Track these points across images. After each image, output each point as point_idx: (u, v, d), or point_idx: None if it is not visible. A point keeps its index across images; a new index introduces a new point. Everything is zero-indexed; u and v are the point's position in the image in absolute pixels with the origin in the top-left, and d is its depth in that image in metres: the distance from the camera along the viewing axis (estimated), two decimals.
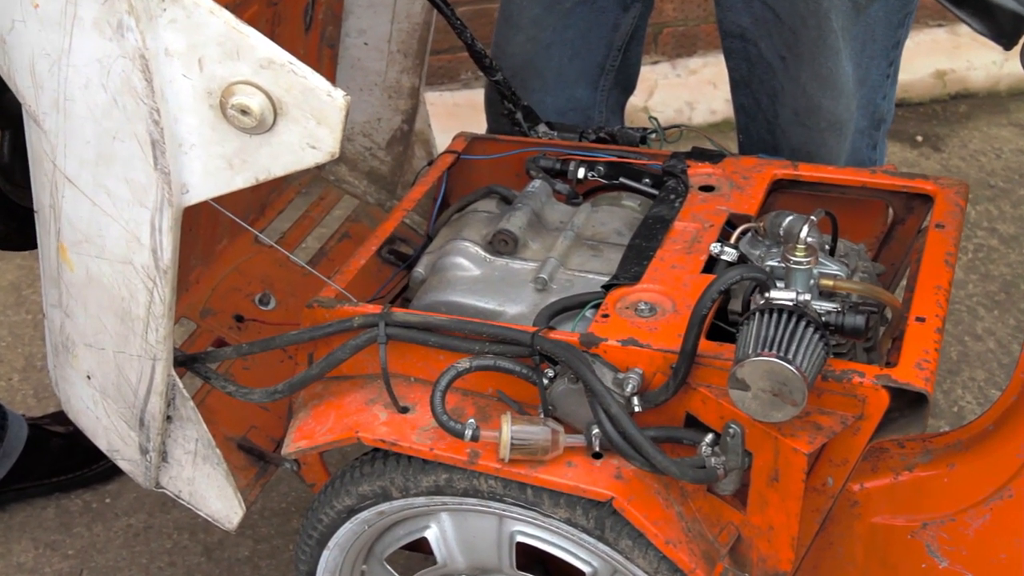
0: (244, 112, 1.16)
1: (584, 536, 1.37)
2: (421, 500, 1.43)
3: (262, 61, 1.14)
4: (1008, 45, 1.18)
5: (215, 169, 1.22)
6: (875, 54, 1.83)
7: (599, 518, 1.34)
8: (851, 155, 1.92)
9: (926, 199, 1.60)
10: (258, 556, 2.10)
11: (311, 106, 1.15)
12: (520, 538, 1.43)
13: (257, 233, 1.74)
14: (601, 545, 1.36)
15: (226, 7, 1.54)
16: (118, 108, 1.19)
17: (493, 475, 1.35)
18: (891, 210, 1.66)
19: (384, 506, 1.45)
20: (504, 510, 1.39)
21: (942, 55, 3.37)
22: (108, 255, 1.31)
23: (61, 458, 2.18)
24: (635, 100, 2.10)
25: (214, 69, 1.16)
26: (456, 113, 3.00)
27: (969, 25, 1.16)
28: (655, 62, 3.25)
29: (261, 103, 1.16)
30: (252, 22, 1.62)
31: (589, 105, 2.01)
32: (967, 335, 2.52)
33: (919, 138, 3.18)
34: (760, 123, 1.95)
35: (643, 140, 1.76)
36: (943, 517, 1.39)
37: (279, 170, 1.20)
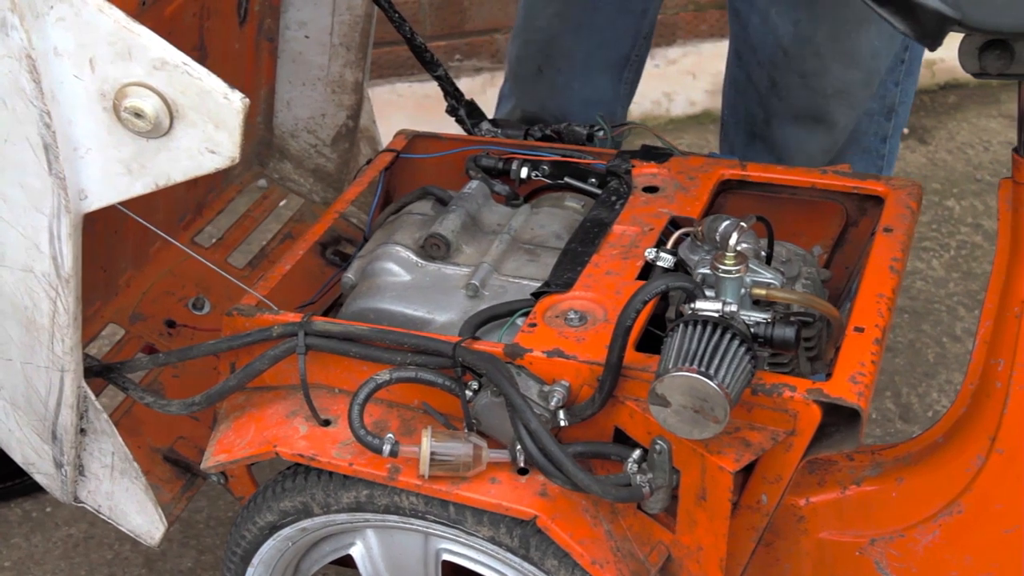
0: (138, 115, 1.13)
1: (509, 555, 1.33)
2: (343, 516, 1.39)
3: (155, 62, 1.11)
4: (932, 46, 1.14)
5: (113, 174, 1.18)
6: (896, 38, 1.80)
7: (523, 536, 1.31)
8: (856, 139, 1.89)
9: (879, 201, 1.56)
10: (201, 567, 2.07)
11: (208, 109, 1.12)
12: (446, 556, 1.41)
13: (175, 241, 1.69)
14: (527, 564, 1.33)
15: (145, 1, 1.51)
16: (7, 110, 1.16)
17: (415, 492, 1.32)
18: (846, 212, 1.62)
19: (306, 522, 1.42)
20: (427, 527, 1.36)
21: None
22: (8, 262, 1.28)
23: None
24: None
25: (106, 70, 1.12)
26: (426, 105, 2.97)
27: (891, 24, 1.11)
28: None
29: (155, 105, 1.12)
30: (178, 16, 1.61)
31: (613, 99, 1.99)
32: (945, 336, 2.48)
33: (905, 130, 3.11)
34: (751, 97, 1.92)
35: (590, 138, 1.71)
36: (892, 533, 1.37)
37: (179, 175, 1.17)
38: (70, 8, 1.10)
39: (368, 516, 1.38)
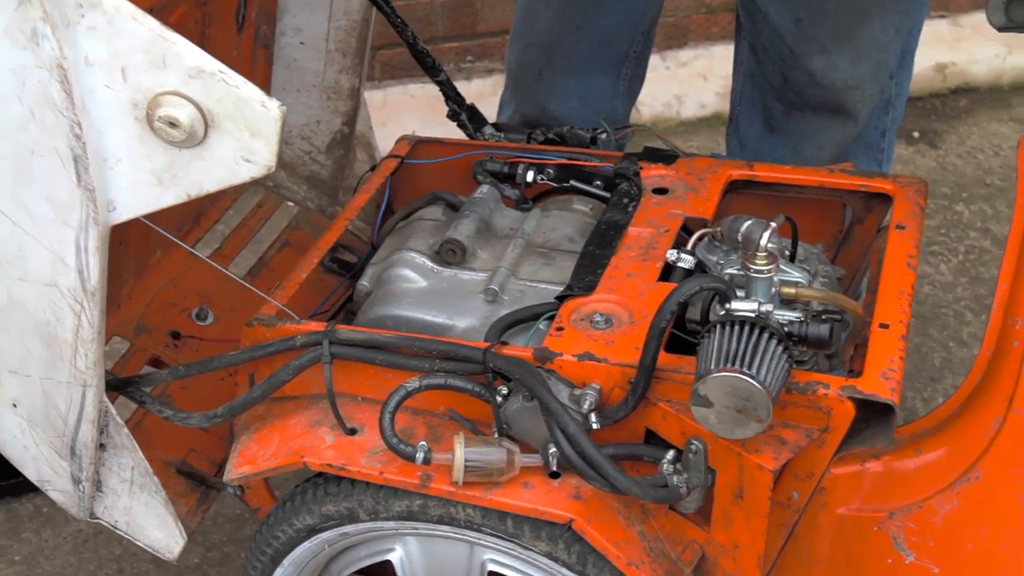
0: (172, 124, 1.10)
1: (564, 570, 1.32)
2: (391, 524, 1.37)
3: (191, 70, 1.08)
4: None
5: (144, 185, 1.16)
6: (901, 31, 1.81)
7: (581, 553, 1.30)
8: (859, 134, 1.90)
9: (884, 198, 1.57)
10: (208, 563, 2.05)
11: (245, 117, 1.09)
12: (491, 566, 1.39)
13: (190, 249, 1.67)
14: None
15: (153, 8, 1.49)
16: (36, 122, 1.13)
17: (472, 504, 1.30)
18: (849, 210, 1.63)
19: (349, 528, 1.40)
20: (480, 539, 1.35)
21: (943, 47, 3.29)
22: (31, 277, 1.25)
23: None
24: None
25: (139, 79, 1.10)
26: (437, 106, 2.98)
27: None
28: None
29: (191, 114, 1.10)
30: (181, 23, 1.58)
31: (612, 95, 1.98)
32: (952, 340, 2.47)
33: (916, 134, 3.14)
34: (766, 90, 1.93)
35: (593, 141, 1.71)
36: (910, 505, 1.35)
37: (212, 185, 1.14)
38: (103, 16, 1.08)
39: (418, 525, 1.36)
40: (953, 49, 3.30)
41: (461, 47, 3.11)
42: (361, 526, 1.38)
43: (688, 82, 3.23)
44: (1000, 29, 1.31)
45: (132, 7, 1.07)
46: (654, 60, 3.17)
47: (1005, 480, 1.33)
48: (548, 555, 1.31)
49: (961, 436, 1.35)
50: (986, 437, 1.33)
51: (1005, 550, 1.34)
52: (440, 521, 1.33)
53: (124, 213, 1.18)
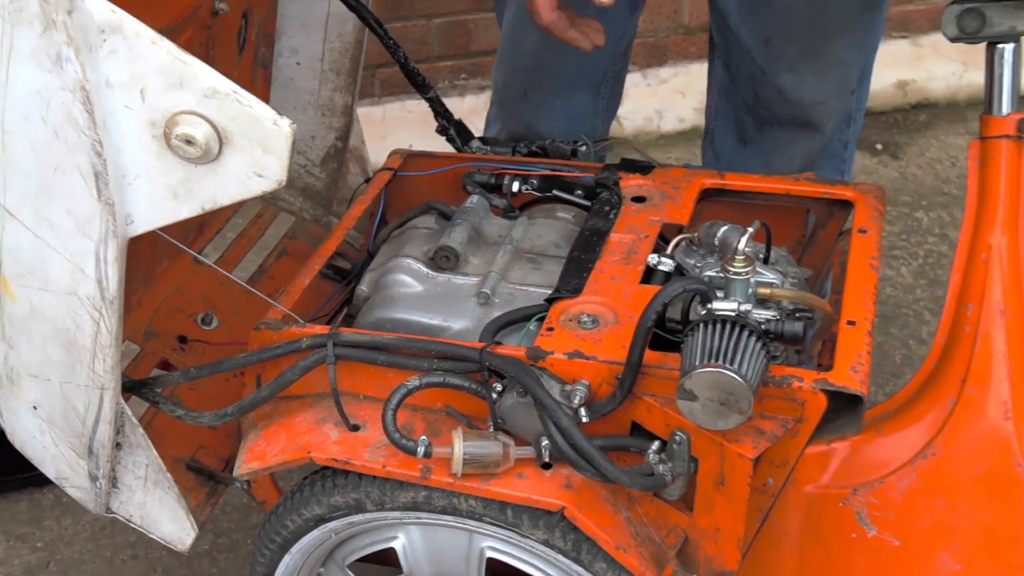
0: (189, 142, 1.09)
1: (559, 557, 1.32)
2: (396, 514, 1.37)
3: (206, 91, 1.08)
4: None
5: (160, 199, 1.15)
6: (862, 49, 1.82)
7: (576, 541, 1.30)
8: (824, 145, 1.91)
9: (846, 204, 1.58)
10: (217, 550, 2.05)
11: (257, 135, 1.09)
12: (490, 553, 1.38)
13: (197, 255, 1.66)
14: (575, 566, 1.32)
15: (161, 31, 1.47)
16: (59, 140, 1.11)
17: (474, 495, 1.30)
18: (812, 215, 1.64)
19: (356, 517, 1.39)
20: (481, 528, 1.34)
21: (904, 66, 3.34)
22: (52, 287, 1.23)
23: None
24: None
25: (157, 99, 1.09)
26: (431, 121, 3.00)
27: None
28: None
29: (206, 132, 1.09)
30: (188, 46, 1.55)
31: (592, 112, 1.98)
32: (912, 339, 2.49)
33: (879, 146, 3.17)
34: (739, 106, 1.94)
35: (574, 153, 1.71)
36: (872, 481, 1.36)
37: (226, 199, 1.13)
38: (123, 41, 1.07)
39: (422, 515, 1.35)
40: (913, 67, 3.34)
41: (455, 65, 3.12)
42: (368, 516, 1.37)
43: (667, 98, 3.26)
44: (953, 40, 1.33)
45: (151, 32, 1.06)
46: (636, 77, 3.20)
47: (959, 456, 1.34)
48: (545, 543, 1.31)
49: (919, 416, 1.36)
50: (942, 416, 1.34)
51: (959, 521, 1.35)
52: (443, 511, 1.32)
53: (142, 226, 1.17)
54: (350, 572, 1.52)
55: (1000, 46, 1.35)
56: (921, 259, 2.73)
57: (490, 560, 1.39)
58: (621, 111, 3.16)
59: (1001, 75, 1.35)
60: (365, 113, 3.02)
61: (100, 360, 1.28)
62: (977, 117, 1.38)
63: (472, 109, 2.98)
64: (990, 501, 1.34)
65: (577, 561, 1.31)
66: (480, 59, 3.12)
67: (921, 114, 3.30)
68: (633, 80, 3.22)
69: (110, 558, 2.05)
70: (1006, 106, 1.36)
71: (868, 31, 1.83)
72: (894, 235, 2.80)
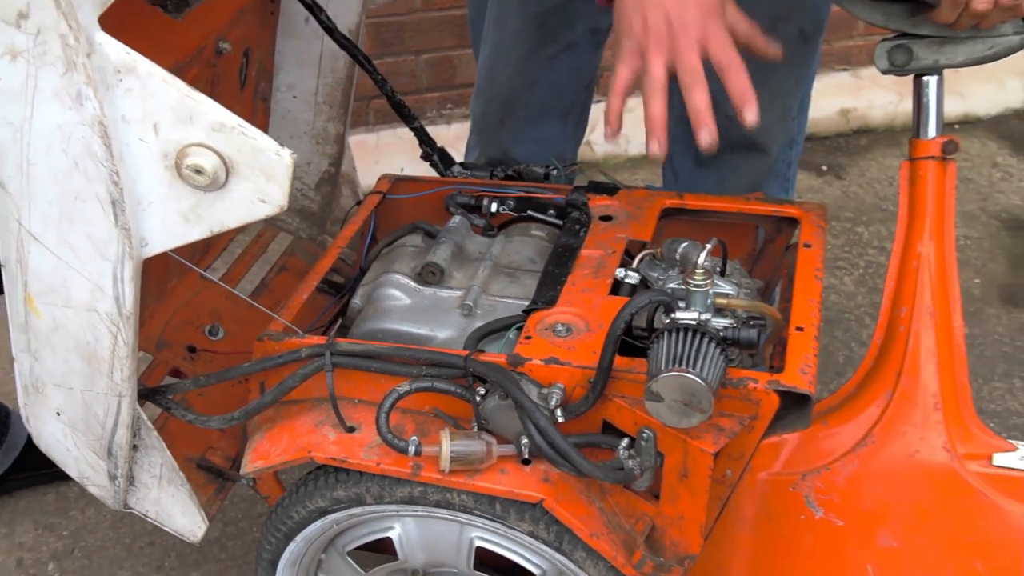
0: (198, 172, 1.09)
1: (543, 547, 1.32)
2: (393, 507, 1.37)
3: (214, 124, 1.08)
4: None
5: (172, 224, 1.15)
6: (801, 80, 1.84)
7: (558, 532, 1.30)
8: (771, 167, 1.93)
9: (792, 221, 1.60)
10: (226, 537, 2.05)
11: (260, 164, 1.09)
12: (479, 543, 1.39)
13: (203, 272, 1.65)
14: (558, 555, 1.33)
15: (170, 69, 1.47)
16: (79, 171, 1.11)
17: (465, 490, 1.30)
18: (762, 231, 1.65)
19: (357, 510, 1.39)
20: (472, 521, 1.35)
21: (847, 95, 3.37)
22: (73, 304, 1.23)
23: None
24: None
25: (169, 133, 1.09)
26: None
27: None
28: (597, 101, 3.23)
29: (214, 163, 1.09)
30: (194, 82, 1.55)
31: (562, 138, 1.99)
32: (854, 341, 2.51)
33: (824, 168, 3.20)
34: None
35: (546, 177, 1.72)
36: (819, 468, 1.38)
37: (232, 223, 1.14)
38: (138, 80, 1.07)
39: (418, 508, 1.36)
40: (855, 97, 3.38)
41: (442, 96, 3.15)
42: (367, 508, 1.37)
43: (634, 125, 3.26)
44: (884, 72, 1.36)
45: (163, 71, 1.07)
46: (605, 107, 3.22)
47: (895, 443, 1.36)
48: (530, 534, 1.31)
49: (860, 409, 1.38)
50: (880, 408, 1.36)
51: (895, 502, 1.37)
52: (437, 505, 1.33)
53: (155, 248, 1.17)
54: (349, 559, 1.52)
55: (925, 78, 1.37)
56: (862, 269, 2.76)
57: (479, 549, 1.39)
58: (592, 136, 3.18)
59: (927, 103, 1.37)
60: (360, 140, 3.04)
61: (118, 370, 1.27)
62: None
63: (457, 136, 2.99)
64: (923, 483, 1.35)
65: (559, 551, 1.31)
66: (464, 91, 3.14)
67: (862, 139, 3.34)
68: (603, 109, 3.25)
69: (129, 544, 2.06)
70: (932, 131, 1.38)
71: (806, 64, 1.85)
72: (837, 247, 2.83)
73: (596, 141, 3.17)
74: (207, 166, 1.09)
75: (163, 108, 1.08)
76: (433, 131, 1.79)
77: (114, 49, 1.06)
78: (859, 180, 3.13)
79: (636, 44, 1.31)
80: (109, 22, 1.07)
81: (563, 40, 1.86)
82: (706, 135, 1.27)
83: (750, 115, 1.28)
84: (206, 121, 1.08)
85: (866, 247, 2.84)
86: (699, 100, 1.29)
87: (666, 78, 1.31)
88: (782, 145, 1.93)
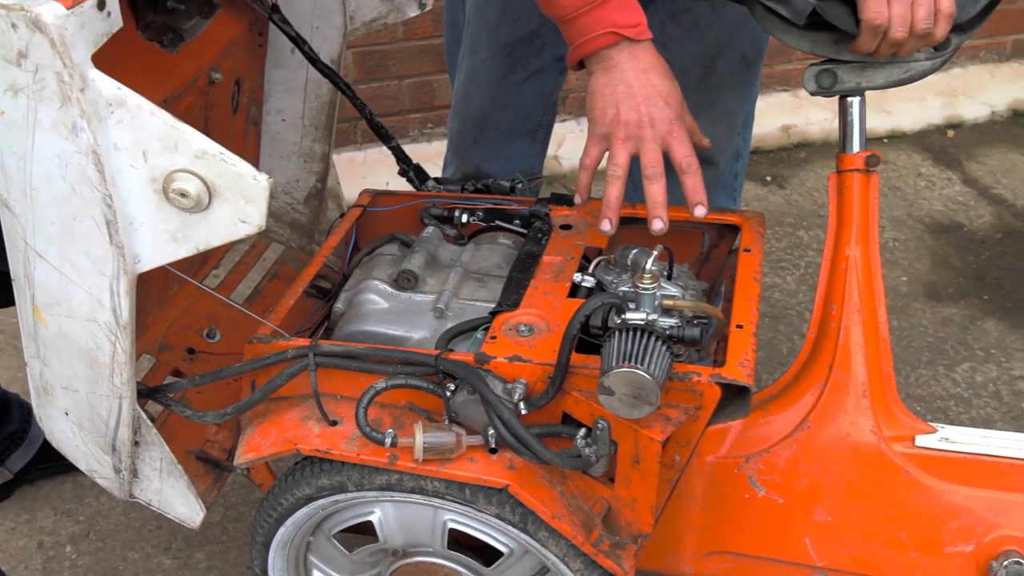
0: (184, 195, 1.07)
1: (509, 528, 1.31)
2: (373, 494, 1.35)
3: (197, 152, 1.05)
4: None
5: (162, 242, 1.12)
6: (746, 99, 1.83)
7: (523, 515, 1.29)
8: (719, 178, 1.91)
9: (733, 228, 1.58)
10: (227, 520, 2.03)
11: (240, 188, 1.06)
12: (452, 524, 1.37)
13: (199, 284, 1.62)
14: (523, 535, 1.31)
15: (167, 98, 1.44)
16: (76, 195, 1.09)
17: (436, 477, 1.28)
18: (707, 237, 1.64)
19: (339, 496, 1.37)
20: (444, 505, 1.33)
21: (787, 113, 3.37)
22: (76, 315, 1.20)
23: None
24: (548, 150, 2.08)
25: (156, 160, 1.06)
26: None
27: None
28: (563, 120, 3.23)
29: (198, 187, 1.06)
30: (190, 110, 1.53)
31: (531, 155, 1.97)
32: (796, 335, 2.50)
33: (768, 178, 3.19)
34: None
35: (512, 190, 1.70)
36: (761, 451, 1.37)
37: (216, 241, 1.11)
38: (127, 112, 1.04)
39: (395, 494, 1.34)
40: (794, 114, 3.39)
41: (423, 117, 3.12)
42: (349, 495, 1.35)
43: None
44: (812, 94, 1.34)
45: (151, 104, 1.04)
46: (571, 124, 3.22)
47: (829, 427, 1.35)
48: (497, 516, 1.29)
49: (797, 397, 1.37)
50: (815, 396, 1.36)
51: (830, 481, 1.36)
52: (413, 491, 1.31)
53: (147, 264, 1.15)
54: (335, 541, 1.49)
55: (849, 98, 1.36)
56: (803, 269, 2.75)
57: (451, 530, 1.38)
58: (559, 152, 3.16)
59: (851, 121, 1.36)
60: (349, 157, 3.01)
61: (117, 374, 1.25)
62: None
63: (437, 153, 2.99)
64: (853, 463, 1.35)
65: (524, 531, 1.30)
66: (443, 112, 3.12)
67: (801, 152, 3.34)
68: (569, 127, 3.21)
69: (139, 528, 2.04)
70: (856, 145, 1.37)
71: (749, 85, 1.83)
72: (780, 250, 2.83)
73: (563, 156, 3.17)
74: (191, 190, 1.06)
75: (151, 137, 1.05)
76: (415, 148, 1.77)
77: (106, 84, 1.03)
78: (799, 189, 3.13)
79: (606, 131, 1.35)
80: (108, 58, 1.04)
81: (531, 67, 1.84)
82: (658, 224, 1.32)
83: (700, 212, 1.33)
84: (190, 149, 1.05)
85: (806, 249, 2.84)
86: (657, 192, 1.33)
87: (628, 166, 1.34)
88: (729, 158, 1.91)
